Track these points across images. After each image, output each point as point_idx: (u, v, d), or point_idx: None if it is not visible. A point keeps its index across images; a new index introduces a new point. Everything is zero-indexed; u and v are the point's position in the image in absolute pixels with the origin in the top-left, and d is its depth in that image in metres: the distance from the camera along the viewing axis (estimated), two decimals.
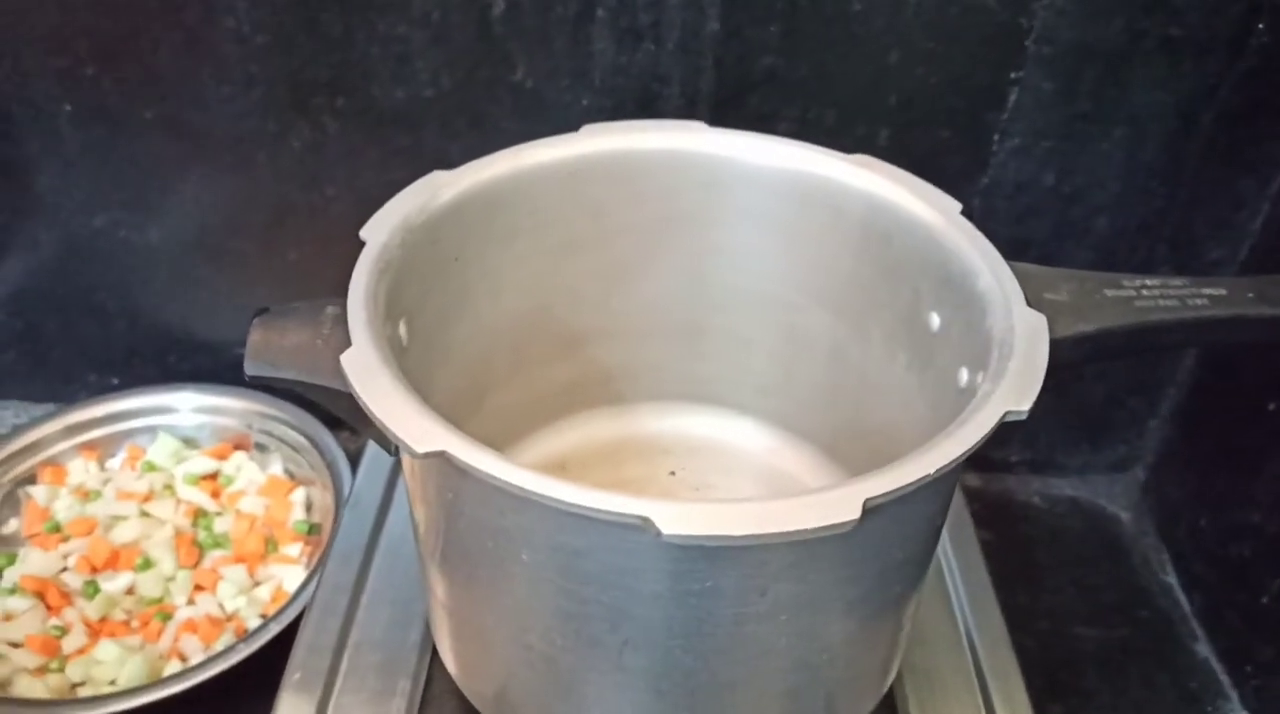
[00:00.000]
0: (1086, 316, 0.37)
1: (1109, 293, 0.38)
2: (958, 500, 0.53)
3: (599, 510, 0.26)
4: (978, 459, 0.75)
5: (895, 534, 0.32)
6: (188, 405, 0.68)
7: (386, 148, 0.60)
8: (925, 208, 0.40)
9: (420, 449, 0.28)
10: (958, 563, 0.50)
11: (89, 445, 0.67)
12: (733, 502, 0.27)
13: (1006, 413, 0.30)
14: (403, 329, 0.37)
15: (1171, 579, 0.70)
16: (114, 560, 0.61)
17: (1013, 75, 0.57)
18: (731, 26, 0.55)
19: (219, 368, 0.70)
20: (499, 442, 0.49)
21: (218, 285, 0.68)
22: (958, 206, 0.40)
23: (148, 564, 0.61)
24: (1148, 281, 0.38)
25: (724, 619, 0.31)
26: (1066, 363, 0.37)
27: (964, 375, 0.37)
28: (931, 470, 0.28)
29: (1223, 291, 0.38)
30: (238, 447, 0.68)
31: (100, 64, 0.58)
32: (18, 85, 0.59)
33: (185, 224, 0.66)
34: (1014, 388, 0.31)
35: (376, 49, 0.57)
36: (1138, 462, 0.75)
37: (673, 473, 0.50)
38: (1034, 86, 0.57)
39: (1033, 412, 0.73)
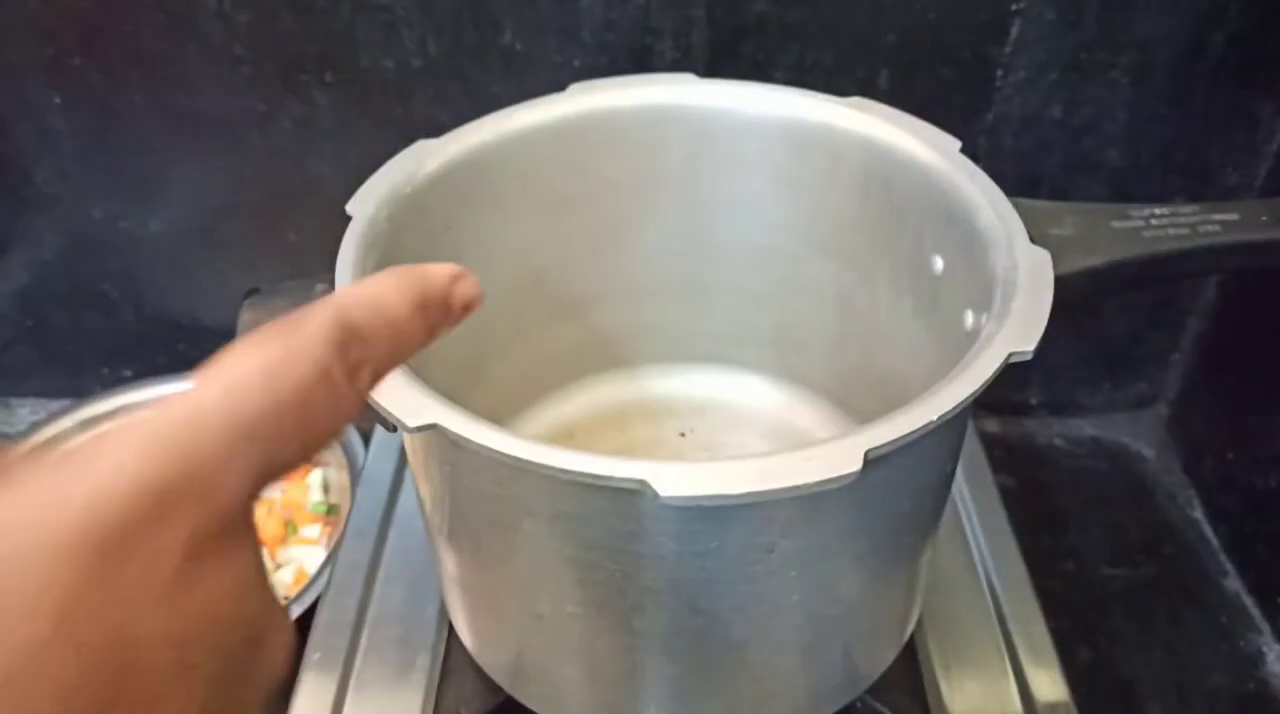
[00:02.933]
0: (1094, 250, 0.36)
1: (1116, 225, 0.37)
2: (974, 445, 0.53)
3: (595, 476, 0.26)
4: (996, 403, 0.75)
5: (902, 484, 0.31)
6: None
7: (378, 119, 0.59)
8: (924, 148, 0.39)
9: (412, 423, 0.28)
10: (976, 509, 0.50)
11: None
12: (731, 460, 0.26)
13: (1011, 354, 0.29)
14: None
15: (1198, 514, 0.69)
16: None
17: (1014, 6, 0.55)
18: None
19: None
20: (504, 411, 0.48)
21: (221, 269, 0.68)
22: (956, 144, 0.38)
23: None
24: (1156, 211, 0.37)
25: (732, 578, 0.30)
26: (1076, 298, 0.36)
27: (969, 317, 0.36)
28: (934, 417, 0.27)
29: (1234, 217, 0.37)
30: None
31: (85, 52, 0.58)
32: (5, 78, 0.58)
33: (184, 210, 0.65)
34: (1018, 328, 0.30)
35: (362, 19, 0.56)
36: (1160, 397, 0.74)
37: (682, 434, 0.49)
38: (1036, 17, 0.56)
39: (1051, 351, 0.72)
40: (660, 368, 0.51)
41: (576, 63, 0.57)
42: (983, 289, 0.34)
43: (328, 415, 0.18)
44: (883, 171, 0.40)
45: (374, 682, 0.42)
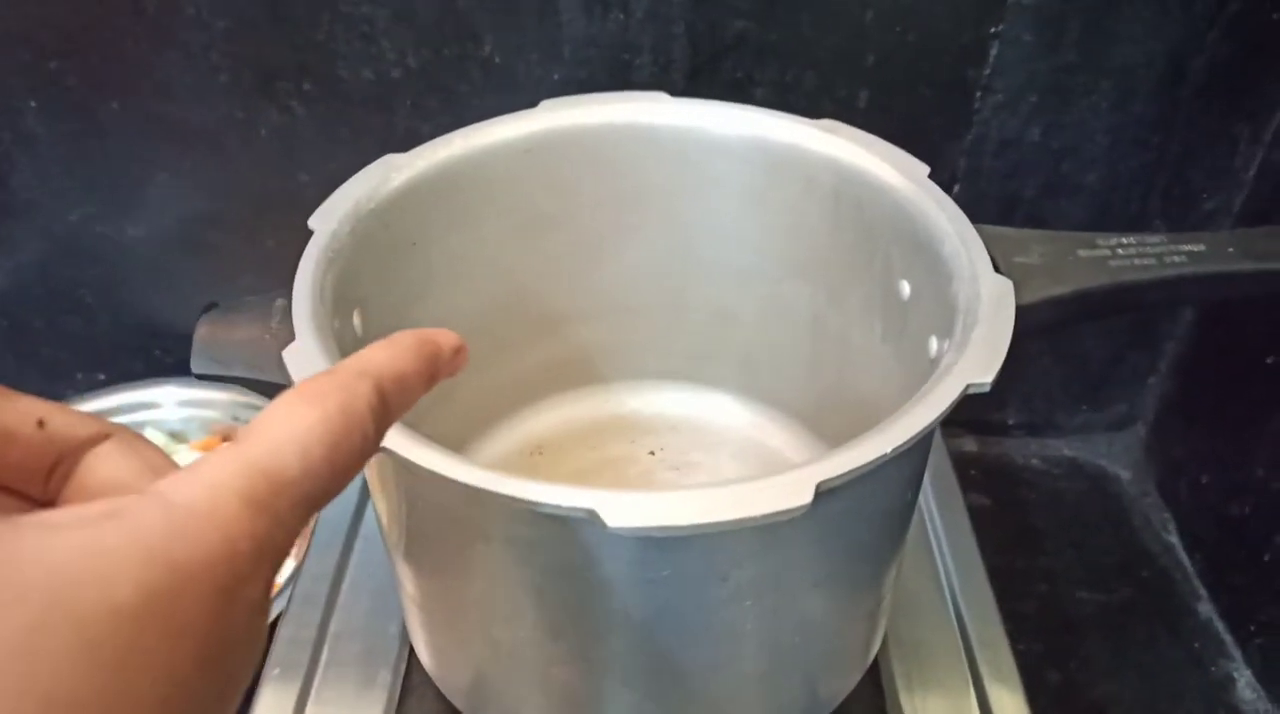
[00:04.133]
0: (1059, 279, 0.36)
1: (1082, 253, 0.37)
2: (945, 466, 0.53)
3: (544, 504, 0.26)
4: (974, 423, 0.75)
5: (859, 512, 0.31)
6: (173, 399, 0.68)
7: (357, 129, 0.59)
8: (893, 172, 0.39)
9: None
10: (944, 530, 0.50)
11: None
12: (681, 489, 0.26)
13: (968, 386, 0.29)
14: (356, 320, 0.36)
15: (1173, 539, 0.69)
16: None
17: (993, 29, 0.55)
18: None
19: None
20: (476, 427, 0.48)
21: (198, 277, 0.68)
22: (925, 170, 0.38)
23: None
24: (1124, 240, 0.37)
25: (686, 607, 0.30)
26: (1041, 327, 0.36)
27: (934, 344, 0.36)
28: (888, 449, 0.27)
29: (1201, 247, 0.37)
30: (225, 438, 0.67)
31: (63, 57, 0.58)
32: None
33: (161, 217, 0.65)
34: (977, 358, 0.30)
35: (340, 29, 0.56)
36: (1138, 419, 0.74)
37: (653, 452, 0.49)
38: (1015, 39, 0.56)
39: (1029, 372, 0.72)
40: (634, 385, 0.51)
41: (556, 76, 0.57)
42: (946, 317, 0.34)
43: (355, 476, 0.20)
44: (853, 194, 0.40)
45: (334, 699, 0.41)
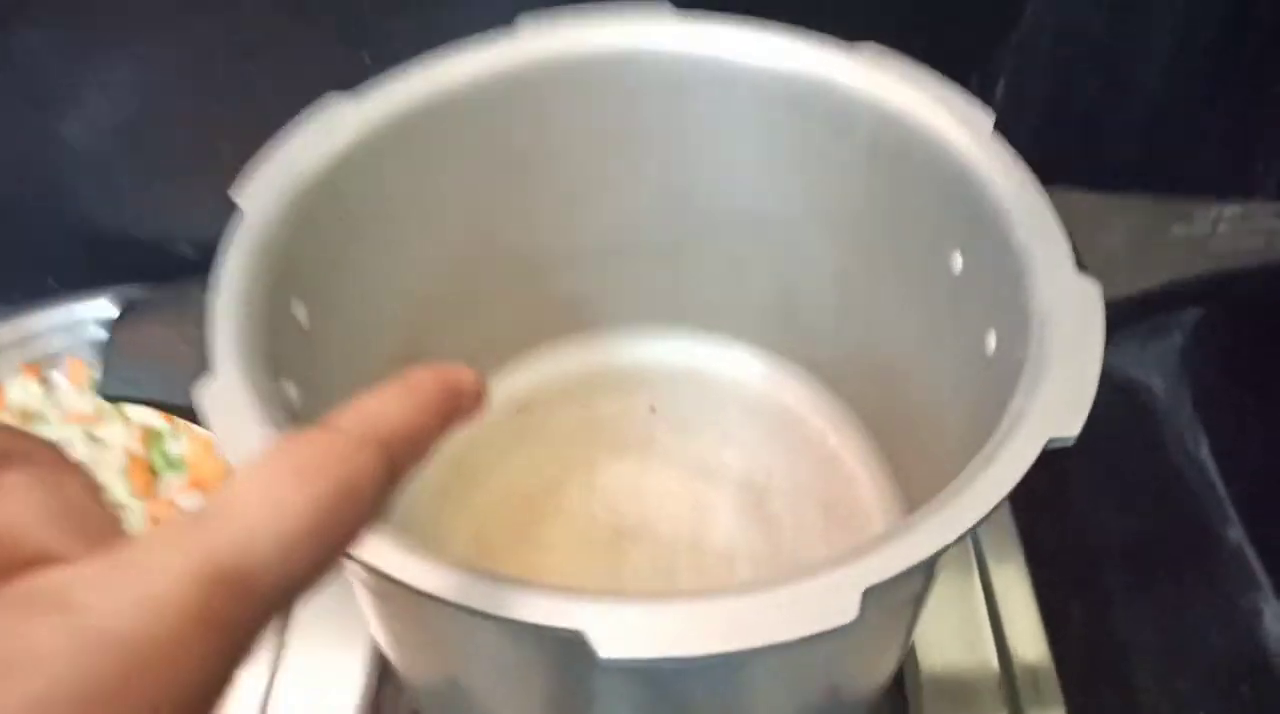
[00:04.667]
0: (1148, 267, 0.30)
1: (1177, 231, 0.30)
2: None
3: (523, 623, 0.21)
4: None
5: (895, 596, 0.26)
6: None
7: (314, 22, 0.51)
8: (950, 122, 0.31)
9: None
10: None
11: (28, 362, 0.62)
12: (691, 600, 0.21)
13: (1050, 440, 0.23)
14: (300, 312, 0.30)
15: (1206, 458, 0.65)
16: None
17: None
18: None
19: (164, 264, 0.64)
20: None
21: (148, 180, 0.61)
22: (989, 121, 0.31)
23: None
24: (1226, 211, 0.31)
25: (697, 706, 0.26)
26: (1118, 326, 0.30)
27: (992, 341, 0.30)
28: (951, 538, 0.22)
29: None
30: None
31: None
32: None
33: (101, 114, 0.58)
34: (1059, 401, 0.24)
35: None
36: (1175, 326, 0.68)
37: (653, 409, 0.44)
38: None
39: (1206, 279, 0.65)
40: (629, 333, 0.45)
41: None
42: (1013, 316, 0.28)
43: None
44: (896, 144, 0.33)
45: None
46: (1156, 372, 0.69)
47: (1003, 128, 0.32)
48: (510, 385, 0.44)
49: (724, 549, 0.39)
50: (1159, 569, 0.60)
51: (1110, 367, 0.71)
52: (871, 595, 0.21)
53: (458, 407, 0.20)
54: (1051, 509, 0.62)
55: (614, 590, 0.21)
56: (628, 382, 0.45)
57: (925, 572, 0.22)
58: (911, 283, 0.35)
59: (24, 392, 0.61)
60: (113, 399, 0.27)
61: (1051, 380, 0.24)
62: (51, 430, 0.59)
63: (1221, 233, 0.30)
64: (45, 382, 0.62)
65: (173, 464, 0.58)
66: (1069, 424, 0.23)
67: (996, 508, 0.22)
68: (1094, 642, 0.58)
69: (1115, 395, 0.69)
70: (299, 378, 0.29)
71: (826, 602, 0.21)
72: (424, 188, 0.35)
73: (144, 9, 0.51)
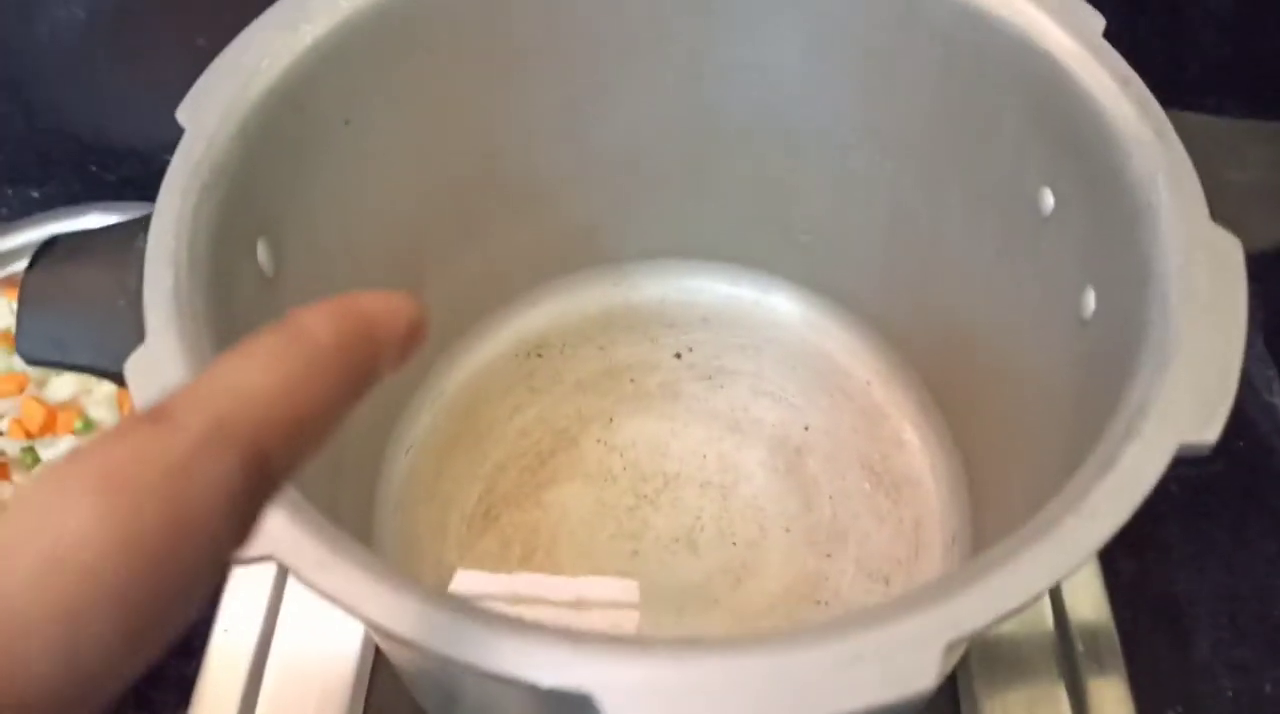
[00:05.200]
0: None
1: None
2: None
3: (516, 678, 0.16)
4: None
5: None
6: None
7: None
8: (1048, 22, 0.26)
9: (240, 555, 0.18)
10: None
11: (8, 281, 0.57)
12: (727, 651, 0.16)
13: (1181, 446, 0.18)
14: (262, 255, 0.25)
15: (1277, 401, 0.60)
16: (51, 423, 0.53)
17: None
18: None
19: (148, 176, 0.59)
20: (458, 323, 0.38)
21: (124, 79, 0.56)
22: (1100, 23, 0.25)
23: (88, 426, 0.53)
24: None
25: None
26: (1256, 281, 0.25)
27: (1090, 300, 0.25)
28: (1056, 577, 0.17)
29: None
30: None
31: None
32: None
33: (69, 8, 0.53)
34: (1192, 396, 0.19)
35: None
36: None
37: (678, 355, 0.39)
38: None
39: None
40: (653, 267, 0.40)
41: None
42: (1124, 272, 0.23)
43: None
44: (976, 47, 0.27)
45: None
46: None
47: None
48: (520, 325, 0.39)
49: (755, 517, 0.35)
50: (1219, 524, 0.56)
51: None
52: (955, 648, 0.16)
53: (373, 361, 0.14)
54: None
55: (629, 640, 0.17)
56: (651, 323, 0.40)
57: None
58: (984, 222, 0.30)
59: (8, 314, 0.57)
60: (32, 362, 0.23)
61: (1183, 366, 0.19)
62: None
63: None
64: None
65: None
66: (1206, 426, 0.18)
67: (1119, 529, 0.18)
68: (1145, 601, 0.54)
69: None
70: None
71: (900, 661, 0.16)
72: (407, 92, 0.29)
73: None
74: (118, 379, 0.23)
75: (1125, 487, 0.18)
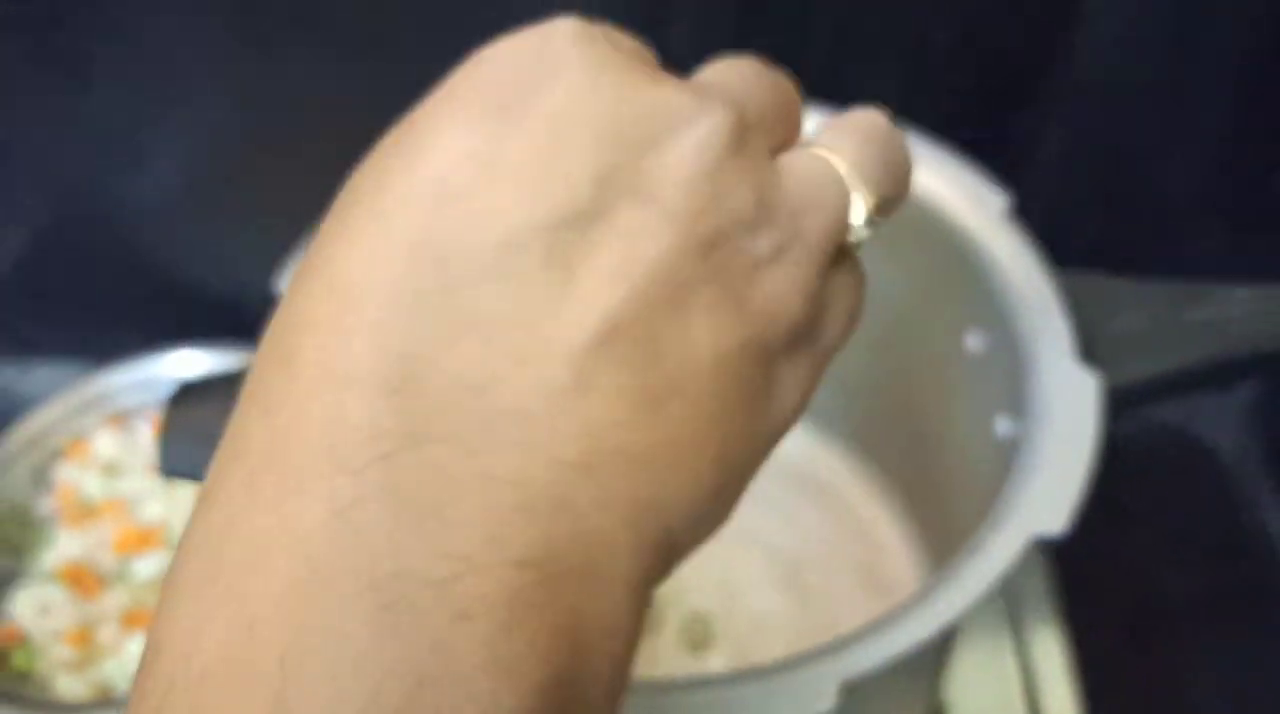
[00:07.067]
0: (1161, 351, 0.30)
1: (1191, 316, 0.30)
2: None
3: None
4: None
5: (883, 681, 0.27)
6: (208, 365, 0.66)
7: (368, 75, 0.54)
8: (963, 203, 0.32)
9: None
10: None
11: (113, 416, 0.66)
12: (685, 685, 0.22)
13: (1032, 537, 0.24)
14: None
15: (1275, 523, 0.63)
16: (142, 541, 0.60)
17: None
18: None
19: (239, 323, 0.68)
20: None
21: (217, 237, 0.65)
22: (1002, 203, 0.32)
23: (175, 545, 0.60)
24: (1238, 293, 0.31)
25: None
26: (1132, 406, 0.30)
27: (1000, 424, 0.31)
28: (926, 634, 0.22)
29: None
30: None
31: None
32: None
33: (171, 172, 0.62)
34: (1045, 497, 0.24)
35: None
36: (1244, 385, 0.67)
37: None
38: None
39: (1223, 364, 0.65)
40: None
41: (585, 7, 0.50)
42: (1019, 401, 0.29)
43: None
44: (914, 220, 0.34)
45: None
46: (1224, 430, 0.67)
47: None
48: None
49: (758, 622, 0.40)
50: (1225, 635, 0.59)
51: (1176, 423, 0.70)
52: (852, 686, 0.22)
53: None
54: (1111, 566, 0.61)
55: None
56: None
57: (911, 661, 0.23)
58: (935, 357, 0.36)
59: (109, 444, 0.66)
60: (171, 475, 0.30)
61: (1041, 475, 0.25)
62: (133, 482, 0.62)
63: (1235, 317, 0.30)
64: (128, 434, 0.66)
65: None
66: (1053, 520, 0.24)
67: (979, 603, 0.23)
68: (1154, 707, 0.57)
69: (1181, 452, 0.67)
70: None
71: (801, 692, 0.22)
72: None
73: (198, 69, 0.54)
74: None
75: (990, 565, 0.23)
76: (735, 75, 0.17)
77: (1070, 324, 0.28)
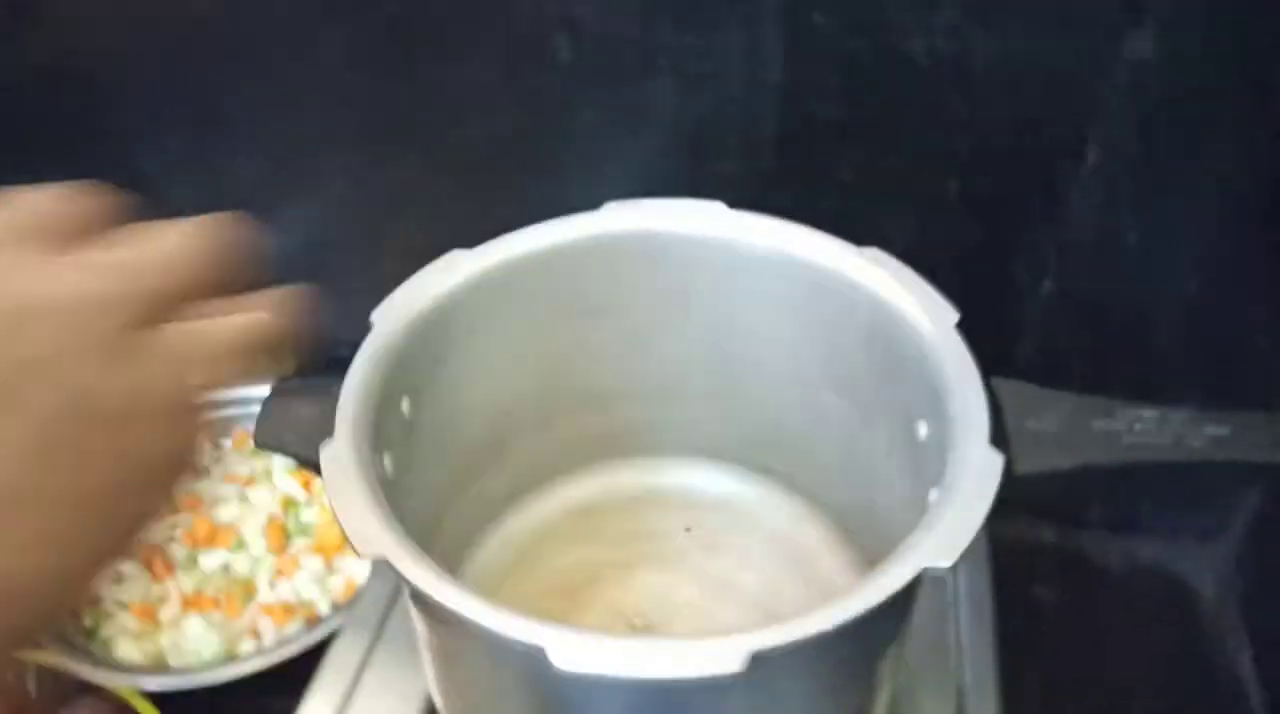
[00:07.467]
0: (1067, 451, 0.36)
1: (1098, 425, 0.37)
2: (978, 568, 0.53)
3: (498, 634, 0.29)
4: (1054, 513, 0.73)
5: (811, 670, 0.33)
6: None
7: (467, 186, 0.63)
8: (922, 316, 0.40)
9: (364, 551, 0.31)
10: (969, 641, 0.50)
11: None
12: (631, 638, 0.29)
13: (924, 570, 0.30)
14: (405, 405, 0.40)
15: (1248, 670, 0.66)
16: (213, 538, 0.68)
17: (1091, 129, 0.54)
18: (792, 76, 0.55)
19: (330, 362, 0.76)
20: (525, 486, 0.52)
21: (320, 288, 0.73)
22: (954, 318, 0.39)
23: (241, 545, 0.68)
24: (1145, 413, 0.37)
25: None
26: (1036, 498, 0.37)
27: (933, 495, 0.37)
28: (829, 626, 0.29)
29: (1225, 432, 0.36)
30: None
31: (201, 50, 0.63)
32: (115, 58, 0.63)
33: (287, 235, 0.71)
34: (940, 541, 0.31)
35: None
36: (1231, 532, 0.71)
37: (688, 529, 0.52)
38: (1115, 141, 0.54)
39: (1117, 468, 0.70)
40: (680, 462, 0.53)
41: (646, 146, 0.59)
42: (939, 476, 0.35)
43: None
44: (885, 330, 0.41)
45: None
46: (1208, 577, 0.71)
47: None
48: (577, 491, 0.53)
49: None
50: None
51: (1161, 565, 0.74)
52: (761, 658, 0.28)
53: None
54: (1084, 696, 0.65)
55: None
56: (672, 502, 0.53)
57: (816, 647, 0.29)
58: (896, 447, 0.43)
59: (200, 450, 0.74)
60: (262, 446, 0.38)
61: (939, 523, 0.32)
62: (214, 486, 0.71)
63: (1137, 430, 0.37)
64: (216, 445, 0.75)
65: (303, 529, 0.69)
66: (944, 559, 0.30)
67: (872, 612, 0.29)
68: None
69: (1164, 594, 0.71)
70: (396, 454, 0.39)
71: (720, 656, 0.28)
72: (515, 323, 0.45)
73: (327, 155, 0.64)
74: (310, 464, 0.38)
75: (883, 584, 0.30)
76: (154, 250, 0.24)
77: (989, 417, 0.35)
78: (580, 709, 0.32)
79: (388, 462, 0.38)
